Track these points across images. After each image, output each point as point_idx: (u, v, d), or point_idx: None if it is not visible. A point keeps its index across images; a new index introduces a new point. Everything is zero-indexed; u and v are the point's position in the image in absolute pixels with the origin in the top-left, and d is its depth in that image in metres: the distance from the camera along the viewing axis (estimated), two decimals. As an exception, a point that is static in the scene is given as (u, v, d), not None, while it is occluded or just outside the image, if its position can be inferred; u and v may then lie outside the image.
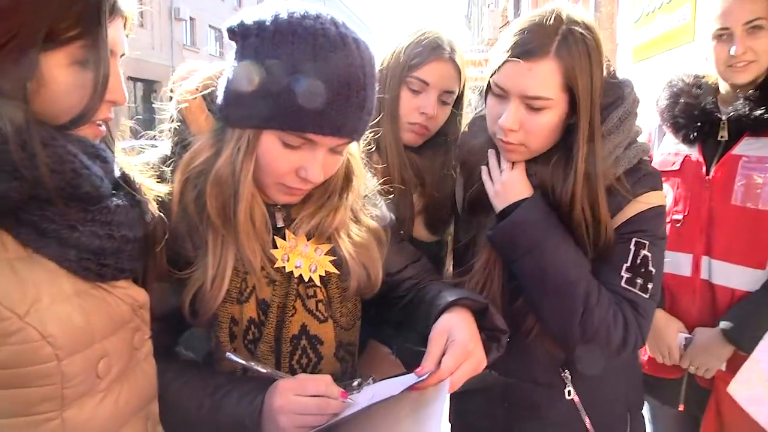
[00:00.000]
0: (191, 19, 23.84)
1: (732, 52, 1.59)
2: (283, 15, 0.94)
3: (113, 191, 0.90)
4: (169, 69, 21.21)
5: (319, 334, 1.10)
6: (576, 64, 1.13)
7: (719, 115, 1.68)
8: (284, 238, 1.08)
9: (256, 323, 1.06)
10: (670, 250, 1.63)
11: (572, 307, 1.18)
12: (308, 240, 1.10)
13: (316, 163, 0.97)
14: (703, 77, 1.78)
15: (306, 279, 1.08)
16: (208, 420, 0.98)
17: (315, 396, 0.93)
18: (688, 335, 1.71)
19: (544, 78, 1.13)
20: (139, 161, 1.04)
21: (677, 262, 1.71)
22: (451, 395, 1.29)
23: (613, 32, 3.93)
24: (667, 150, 1.81)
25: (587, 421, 1.30)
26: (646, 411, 1.72)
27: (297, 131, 0.94)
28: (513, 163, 1.27)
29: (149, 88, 20.42)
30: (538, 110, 1.16)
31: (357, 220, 1.15)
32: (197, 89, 1.04)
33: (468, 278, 1.31)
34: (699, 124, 1.70)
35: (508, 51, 1.17)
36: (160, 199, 1.00)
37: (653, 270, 1.22)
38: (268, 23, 0.93)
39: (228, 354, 0.98)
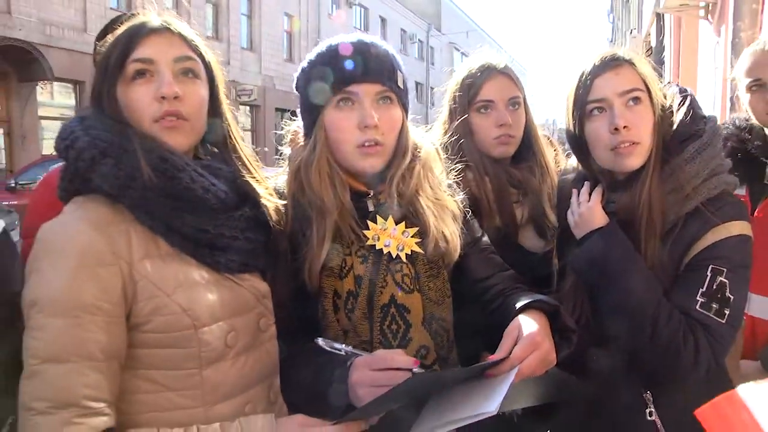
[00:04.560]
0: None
1: None
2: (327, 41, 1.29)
3: (240, 203, 1.16)
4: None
5: (406, 303, 1.27)
6: (647, 73, 1.34)
7: (764, 159, 1.76)
8: (376, 222, 1.28)
9: (354, 295, 1.26)
10: None
11: (641, 327, 1.23)
12: (396, 224, 1.29)
13: (368, 111, 1.21)
14: (753, 122, 1.82)
15: (394, 256, 1.27)
16: (319, 392, 1.13)
17: (387, 369, 1.05)
18: None
19: (630, 75, 1.33)
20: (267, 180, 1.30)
21: None
22: (542, 412, 1.34)
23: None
24: None
25: None
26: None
27: (337, 90, 1.22)
28: (590, 196, 1.38)
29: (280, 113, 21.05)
30: (636, 102, 1.31)
31: (435, 193, 1.33)
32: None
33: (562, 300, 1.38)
34: (746, 166, 1.73)
35: (590, 73, 1.34)
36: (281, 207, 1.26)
37: (731, 297, 1.24)
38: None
39: (317, 339, 1.14)
